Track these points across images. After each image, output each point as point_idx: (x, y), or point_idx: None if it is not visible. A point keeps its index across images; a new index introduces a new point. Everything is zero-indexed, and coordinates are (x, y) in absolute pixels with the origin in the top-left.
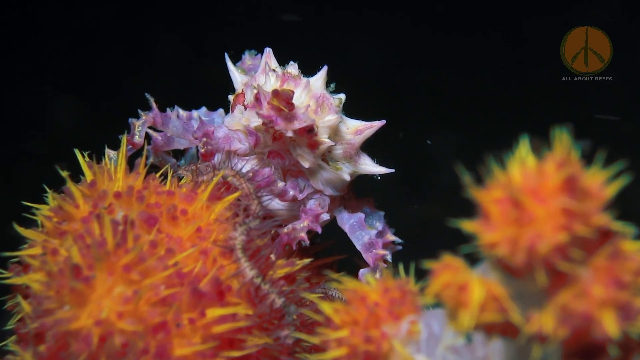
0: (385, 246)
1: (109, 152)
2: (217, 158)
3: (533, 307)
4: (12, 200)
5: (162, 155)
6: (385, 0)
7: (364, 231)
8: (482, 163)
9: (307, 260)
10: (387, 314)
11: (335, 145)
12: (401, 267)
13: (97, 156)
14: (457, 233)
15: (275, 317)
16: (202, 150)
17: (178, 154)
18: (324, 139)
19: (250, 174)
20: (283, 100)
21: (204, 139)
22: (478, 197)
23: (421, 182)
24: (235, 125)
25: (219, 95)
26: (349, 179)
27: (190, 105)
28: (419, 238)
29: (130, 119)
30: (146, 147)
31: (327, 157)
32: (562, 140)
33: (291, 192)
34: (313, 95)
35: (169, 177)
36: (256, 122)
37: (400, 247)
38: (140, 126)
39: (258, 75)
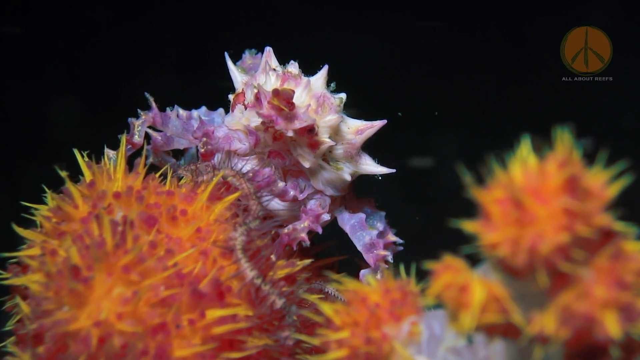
0: (386, 247)
1: (109, 152)
2: (217, 158)
3: (534, 308)
4: (11, 201)
5: (161, 155)
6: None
7: (365, 231)
8: (483, 163)
9: (307, 261)
10: (388, 315)
11: (336, 145)
12: (402, 268)
13: (97, 156)
14: (458, 233)
15: (276, 318)
16: (202, 150)
17: (178, 154)
18: (325, 138)
19: (251, 174)
20: (283, 99)
21: (204, 139)
22: (479, 197)
23: (422, 181)
24: (235, 124)
25: (219, 94)
26: (349, 179)
27: (190, 104)
28: (420, 238)
29: (129, 119)
30: (146, 147)
31: (327, 157)
32: (564, 139)
33: (291, 192)
34: (314, 95)
35: (169, 177)
36: (256, 121)
37: (401, 248)
38: (139, 126)
39: (258, 74)
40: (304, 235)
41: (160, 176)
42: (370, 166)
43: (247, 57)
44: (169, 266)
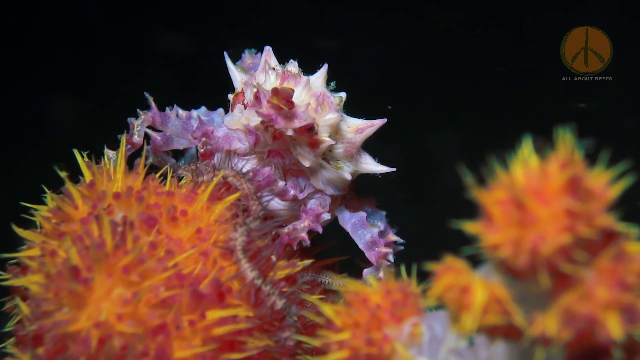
0: (387, 246)
1: (108, 152)
2: (217, 158)
3: (536, 309)
4: (10, 201)
5: (161, 156)
6: None
7: (366, 230)
8: (485, 163)
9: (308, 262)
10: (389, 316)
11: (336, 144)
12: (403, 269)
13: (96, 156)
14: (460, 234)
15: (276, 319)
16: (202, 150)
17: (177, 154)
18: (325, 137)
19: (251, 174)
20: (283, 98)
21: (204, 139)
22: (480, 198)
23: (423, 181)
24: (235, 124)
25: (218, 94)
26: (350, 178)
27: (189, 104)
28: (421, 239)
29: (129, 119)
30: (145, 147)
31: (327, 156)
32: (566, 140)
33: (292, 192)
34: (313, 94)
35: (169, 178)
36: (256, 121)
37: (402, 248)
38: (139, 125)
39: (258, 73)
40: (304, 234)
41: (160, 176)
42: (371, 165)
43: (247, 56)
44: (169, 267)
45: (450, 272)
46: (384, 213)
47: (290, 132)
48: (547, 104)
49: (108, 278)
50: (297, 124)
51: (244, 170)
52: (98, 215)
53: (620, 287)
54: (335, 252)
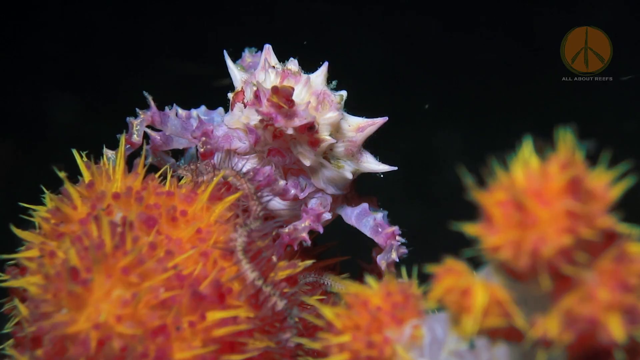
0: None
1: (107, 152)
2: (217, 157)
3: (537, 311)
4: (9, 201)
5: (161, 155)
6: None
7: (369, 216)
8: (485, 164)
9: (309, 262)
10: (390, 318)
11: (336, 142)
12: (404, 270)
13: (96, 156)
14: (461, 234)
15: (277, 320)
16: (202, 149)
17: (177, 153)
18: (325, 136)
19: (252, 173)
20: (283, 97)
21: (203, 138)
22: (480, 199)
23: (424, 181)
24: (234, 123)
25: (218, 93)
26: (351, 177)
27: (189, 104)
28: (423, 239)
29: (128, 118)
30: (145, 146)
31: (328, 155)
32: (566, 140)
33: (292, 191)
34: (314, 92)
35: (169, 178)
36: (256, 119)
37: (403, 257)
38: (138, 125)
39: (258, 72)
40: (304, 235)
41: (159, 176)
42: (372, 164)
43: (247, 55)
44: (169, 268)
45: (450, 274)
46: (385, 213)
47: (290, 131)
48: (548, 104)
49: (107, 279)
50: (298, 122)
51: (244, 170)
52: (97, 216)
53: (622, 289)
54: (336, 252)
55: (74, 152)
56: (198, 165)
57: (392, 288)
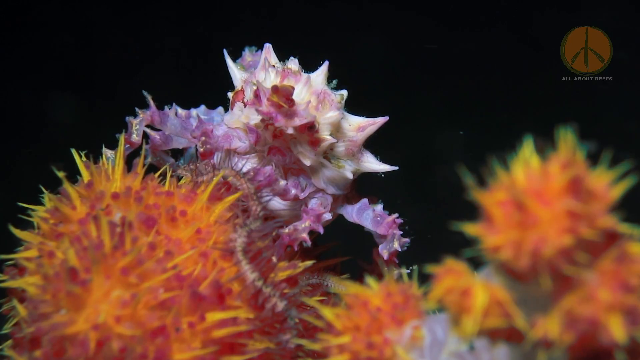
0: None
1: (107, 152)
2: (217, 157)
3: (538, 312)
4: (7, 201)
5: (160, 155)
6: None
7: (369, 209)
8: (485, 163)
9: (309, 263)
10: (390, 319)
11: (337, 142)
12: (404, 271)
13: (95, 156)
14: (462, 235)
15: (277, 321)
16: (201, 149)
17: (177, 153)
18: (326, 136)
19: (252, 173)
20: (283, 96)
21: (203, 138)
22: (481, 199)
23: (425, 181)
24: (234, 123)
25: (218, 93)
26: (351, 177)
27: (189, 103)
28: (424, 239)
29: (127, 117)
30: (144, 146)
31: (329, 154)
32: (567, 140)
33: (293, 191)
34: (314, 92)
35: (168, 178)
36: (256, 119)
37: (406, 248)
38: (137, 125)
39: (257, 71)
40: (305, 235)
41: (159, 176)
42: (373, 164)
43: (247, 54)
44: (169, 268)
45: (450, 274)
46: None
47: (290, 131)
48: (549, 104)
49: (106, 279)
50: (298, 122)
51: (244, 169)
52: (96, 216)
53: (623, 289)
54: (336, 252)
55: (73, 151)
56: (198, 165)
57: (392, 289)
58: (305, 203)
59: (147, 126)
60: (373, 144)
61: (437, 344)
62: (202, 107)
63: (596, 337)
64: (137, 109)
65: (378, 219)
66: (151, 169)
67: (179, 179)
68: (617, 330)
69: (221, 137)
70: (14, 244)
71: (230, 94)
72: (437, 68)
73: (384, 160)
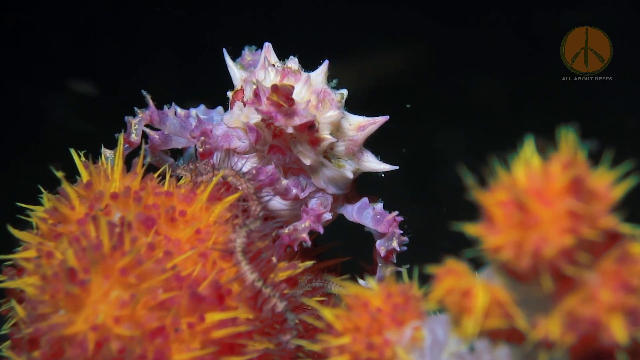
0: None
1: (106, 152)
2: (216, 157)
3: (539, 312)
4: (6, 201)
5: (160, 155)
6: None
7: (369, 208)
8: (486, 163)
9: (309, 263)
10: (390, 320)
11: (337, 141)
12: (405, 271)
13: (94, 156)
14: (464, 235)
15: (277, 322)
16: (200, 149)
17: (176, 153)
18: (326, 135)
19: (254, 171)
20: (282, 95)
21: (202, 138)
22: (481, 199)
23: (426, 181)
24: (234, 122)
25: (218, 92)
26: (352, 177)
27: (188, 103)
28: (424, 240)
29: (126, 117)
30: (143, 146)
31: (329, 154)
32: (568, 140)
33: (294, 191)
34: (314, 91)
35: (167, 177)
36: (255, 118)
37: (405, 248)
38: (136, 124)
39: (257, 70)
40: (305, 235)
41: (158, 176)
42: (373, 163)
43: (247, 53)
44: (168, 268)
45: (451, 275)
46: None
47: (290, 130)
48: (550, 104)
49: (105, 280)
50: (297, 121)
51: (244, 169)
52: (95, 216)
53: (625, 290)
54: (337, 253)
55: (72, 151)
56: (197, 165)
57: (392, 289)
58: (305, 203)
59: (147, 126)
60: (373, 143)
61: (437, 345)
62: (202, 107)
63: (597, 338)
64: (136, 109)
65: (378, 217)
66: (150, 169)
67: (179, 179)
68: (618, 331)
69: (220, 136)
70: (13, 244)
71: (229, 94)
72: (437, 67)
73: (384, 159)
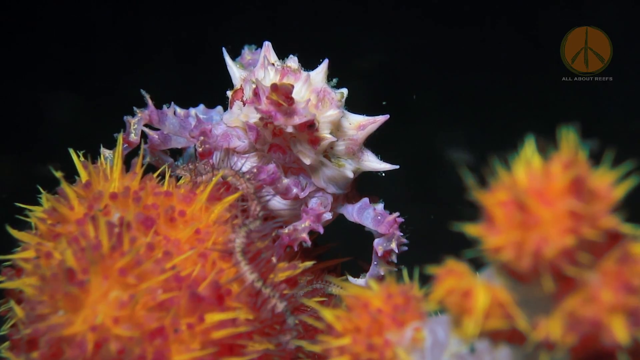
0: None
1: (105, 152)
2: (216, 157)
3: (540, 313)
4: (4, 201)
5: (159, 155)
6: None
7: (369, 208)
8: (487, 163)
9: (309, 263)
10: (391, 320)
11: (337, 141)
12: (405, 271)
13: (93, 155)
14: (464, 235)
15: (277, 322)
16: (200, 149)
17: (176, 153)
18: (326, 134)
19: (255, 170)
20: (282, 94)
21: (202, 138)
22: (482, 199)
23: (426, 180)
24: (233, 121)
25: (218, 92)
26: (352, 176)
27: (188, 102)
28: (425, 240)
29: (125, 117)
30: (143, 146)
31: (329, 153)
32: (569, 139)
33: (294, 190)
34: (314, 90)
35: (167, 177)
36: (255, 117)
37: (405, 248)
38: (136, 124)
39: (257, 69)
40: (304, 235)
41: (158, 176)
42: (373, 163)
43: (247, 52)
44: (167, 269)
45: (451, 275)
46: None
47: (290, 129)
48: (551, 103)
49: (104, 280)
50: (297, 120)
51: (244, 169)
52: (94, 216)
53: (626, 290)
54: (337, 253)
55: (71, 151)
56: (197, 164)
57: (393, 290)
58: (305, 202)
59: (146, 125)
60: (373, 142)
61: (438, 346)
62: (201, 106)
63: (599, 339)
64: (135, 108)
65: (379, 217)
66: (150, 168)
67: (178, 179)
68: (619, 332)
69: (220, 136)
70: (12, 245)
71: (229, 93)
72: (438, 67)
73: (384, 159)
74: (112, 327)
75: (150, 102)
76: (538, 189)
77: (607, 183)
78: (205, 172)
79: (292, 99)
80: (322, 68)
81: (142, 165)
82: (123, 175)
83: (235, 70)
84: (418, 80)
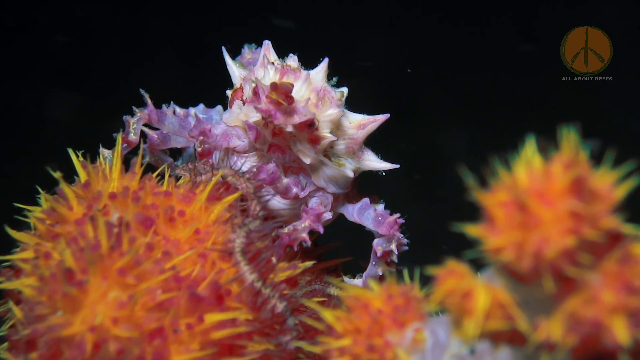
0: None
1: (104, 152)
2: (216, 156)
3: (540, 314)
4: (3, 202)
5: (158, 155)
6: None
7: (370, 209)
8: (487, 163)
9: (309, 263)
10: (391, 321)
11: (337, 140)
12: (406, 272)
13: (92, 155)
14: (464, 235)
15: (277, 322)
16: (199, 148)
17: (175, 153)
18: (326, 133)
19: (255, 170)
20: (282, 93)
21: (201, 137)
22: (482, 200)
23: (427, 180)
24: (233, 121)
25: (217, 91)
26: (352, 176)
27: (187, 102)
28: (425, 240)
29: (124, 116)
30: (142, 145)
31: (329, 152)
32: (570, 140)
33: (294, 190)
34: (314, 89)
35: (166, 177)
36: (255, 117)
37: (406, 248)
38: (135, 123)
39: (257, 68)
40: (304, 235)
41: (157, 176)
42: (374, 162)
43: (246, 51)
44: (166, 269)
45: (452, 276)
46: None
47: (289, 128)
48: (551, 104)
49: (103, 280)
50: (297, 119)
51: (244, 169)
52: (93, 216)
53: (627, 291)
54: (337, 253)
55: (70, 151)
56: (196, 164)
57: (393, 290)
58: (305, 202)
59: (145, 125)
60: (374, 142)
61: (438, 347)
62: (201, 106)
63: (600, 340)
64: (134, 108)
65: (379, 218)
66: (149, 168)
67: (178, 178)
68: (620, 333)
69: (220, 135)
70: (10, 245)
71: (229, 92)
72: (438, 67)
73: (385, 158)
74: (111, 327)
75: (149, 101)
76: (539, 189)
77: (608, 183)
78: (205, 171)
79: (291, 98)
80: (322, 67)
81: (142, 165)
82: (122, 175)
83: (235, 70)
84: (419, 80)
